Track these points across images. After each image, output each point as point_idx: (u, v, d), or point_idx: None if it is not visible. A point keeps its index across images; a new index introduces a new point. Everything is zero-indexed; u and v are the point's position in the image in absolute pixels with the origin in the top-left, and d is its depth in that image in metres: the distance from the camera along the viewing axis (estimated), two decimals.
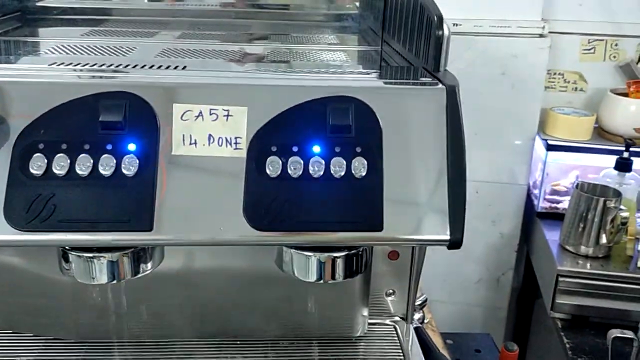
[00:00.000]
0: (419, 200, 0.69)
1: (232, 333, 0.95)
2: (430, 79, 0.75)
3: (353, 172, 0.68)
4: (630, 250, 1.55)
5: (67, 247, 0.70)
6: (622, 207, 1.51)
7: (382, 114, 0.70)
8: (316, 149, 0.68)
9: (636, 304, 1.48)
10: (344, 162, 0.68)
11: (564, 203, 1.75)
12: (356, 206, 0.68)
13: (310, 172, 0.68)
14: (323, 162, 0.68)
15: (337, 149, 0.69)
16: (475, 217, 1.84)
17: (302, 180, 0.68)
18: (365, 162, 0.69)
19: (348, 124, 0.69)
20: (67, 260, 0.71)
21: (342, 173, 0.68)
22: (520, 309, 2.01)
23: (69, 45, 0.96)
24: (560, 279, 1.50)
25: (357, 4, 1.28)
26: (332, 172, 0.68)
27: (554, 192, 1.82)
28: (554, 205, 1.79)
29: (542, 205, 1.79)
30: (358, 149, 0.69)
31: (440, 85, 0.72)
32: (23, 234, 0.64)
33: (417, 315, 1.03)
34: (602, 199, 1.50)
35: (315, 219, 0.68)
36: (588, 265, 1.52)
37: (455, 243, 0.69)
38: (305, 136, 0.69)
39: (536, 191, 1.82)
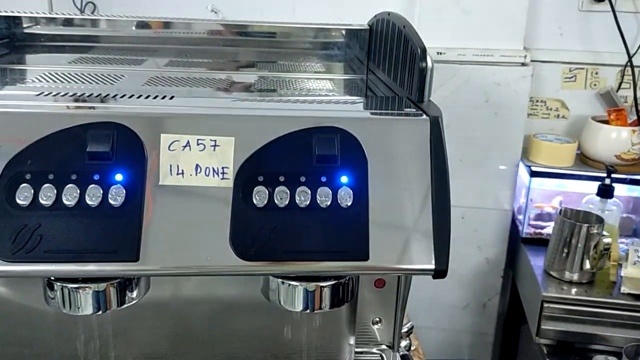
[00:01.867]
0: (404, 229, 0.70)
1: None
2: (414, 110, 0.76)
3: (339, 201, 0.69)
4: (614, 275, 1.56)
5: (52, 278, 0.69)
6: (604, 233, 1.53)
7: (368, 144, 0.71)
8: (302, 179, 0.69)
9: (620, 330, 1.49)
10: (330, 191, 0.69)
11: (548, 228, 1.77)
12: (342, 236, 0.69)
13: (297, 202, 0.68)
14: (309, 191, 0.69)
15: (323, 179, 0.69)
16: (461, 242, 1.85)
17: (289, 210, 0.68)
18: (351, 191, 0.69)
19: (334, 154, 0.70)
20: (52, 291, 0.70)
21: (328, 203, 0.69)
22: (506, 335, 2.01)
23: (56, 73, 0.97)
24: (545, 304, 1.51)
25: (343, 32, 1.30)
26: (318, 201, 0.69)
27: (539, 218, 1.84)
28: (538, 230, 1.81)
29: (526, 230, 1.80)
30: (344, 179, 0.70)
31: (424, 116, 0.74)
32: (8, 264, 0.64)
33: (403, 343, 1.03)
34: (585, 225, 1.52)
35: (302, 249, 0.68)
36: (572, 291, 1.53)
37: (440, 272, 0.70)
38: (292, 166, 0.70)
39: (520, 217, 1.84)
